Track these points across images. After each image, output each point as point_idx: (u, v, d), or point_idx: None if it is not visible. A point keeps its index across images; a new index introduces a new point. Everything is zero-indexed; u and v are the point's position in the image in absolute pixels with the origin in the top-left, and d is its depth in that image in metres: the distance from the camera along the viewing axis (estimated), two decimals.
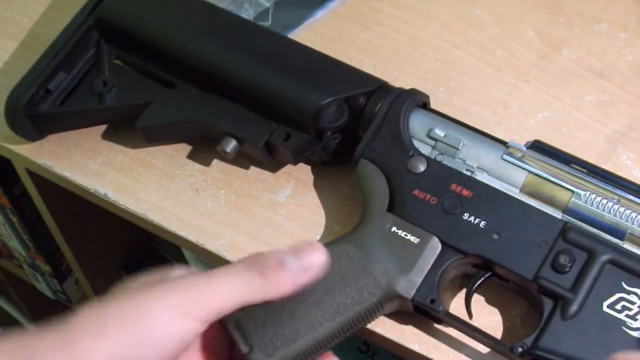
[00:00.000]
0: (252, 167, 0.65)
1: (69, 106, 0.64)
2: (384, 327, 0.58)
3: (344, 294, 0.53)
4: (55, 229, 0.85)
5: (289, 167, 0.64)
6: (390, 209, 0.57)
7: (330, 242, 0.56)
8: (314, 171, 0.64)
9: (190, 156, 0.66)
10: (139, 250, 1.05)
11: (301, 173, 0.64)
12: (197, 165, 0.65)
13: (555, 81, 0.69)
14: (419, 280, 0.54)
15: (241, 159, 0.64)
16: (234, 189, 0.64)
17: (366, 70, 0.63)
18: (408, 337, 0.57)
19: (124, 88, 0.64)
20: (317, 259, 0.49)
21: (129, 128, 0.67)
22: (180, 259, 1.01)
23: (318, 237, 0.62)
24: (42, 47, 0.65)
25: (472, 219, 0.55)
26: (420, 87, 0.67)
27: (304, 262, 0.49)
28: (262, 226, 0.63)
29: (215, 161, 0.65)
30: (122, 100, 0.64)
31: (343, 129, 0.61)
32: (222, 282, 0.47)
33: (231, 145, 0.61)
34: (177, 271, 0.49)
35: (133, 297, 0.47)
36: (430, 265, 0.55)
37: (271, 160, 0.63)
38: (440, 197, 0.56)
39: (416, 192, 0.57)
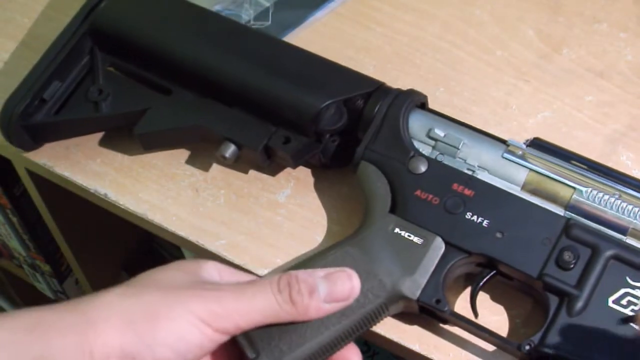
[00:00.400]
0: (251, 167, 0.65)
1: (65, 115, 0.64)
2: (384, 327, 0.57)
3: None
4: (55, 229, 0.85)
5: (289, 168, 0.64)
6: (393, 210, 0.57)
7: (333, 245, 0.56)
8: (313, 172, 0.64)
9: (191, 156, 0.66)
10: (139, 250, 1.05)
11: (301, 173, 0.64)
12: (197, 165, 0.65)
13: (555, 81, 0.69)
14: (423, 280, 0.54)
15: (240, 163, 0.64)
16: (234, 189, 0.64)
17: (366, 70, 0.63)
18: (408, 337, 0.57)
19: (120, 95, 0.63)
20: (350, 290, 0.50)
21: (129, 130, 0.67)
22: (180, 259, 1.01)
23: (319, 238, 0.62)
24: (42, 47, 0.65)
25: (474, 218, 0.55)
26: (420, 87, 0.67)
27: (335, 292, 0.49)
28: (262, 226, 0.63)
29: (215, 160, 0.65)
30: (118, 108, 0.63)
31: (342, 131, 0.61)
32: (252, 300, 0.47)
33: (230, 150, 0.60)
34: (209, 269, 0.49)
35: (161, 297, 0.47)
36: (434, 266, 0.55)
37: (270, 164, 0.62)
38: (442, 197, 0.56)
39: (418, 192, 0.57)
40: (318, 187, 0.64)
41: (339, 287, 0.50)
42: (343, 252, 0.55)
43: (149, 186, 0.65)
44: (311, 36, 0.72)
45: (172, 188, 0.64)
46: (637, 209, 0.54)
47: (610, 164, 0.58)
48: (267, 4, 0.74)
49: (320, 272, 0.50)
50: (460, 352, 0.56)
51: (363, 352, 0.89)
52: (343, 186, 0.63)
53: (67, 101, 0.64)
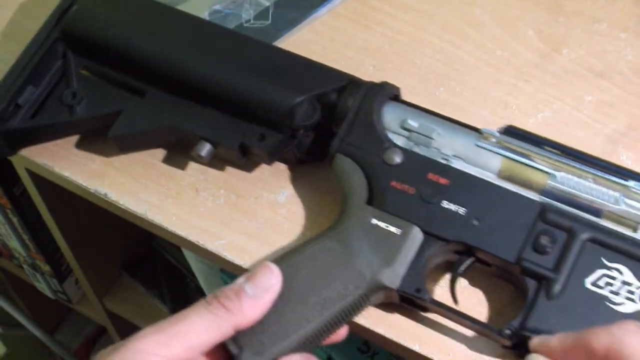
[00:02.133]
0: (252, 167, 0.65)
1: (40, 120, 0.64)
2: (384, 327, 0.58)
3: (330, 289, 0.54)
4: (55, 229, 0.85)
5: (289, 168, 0.64)
6: (369, 201, 0.57)
7: (311, 238, 0.57)
8: (314, 172, 0.64)
9: (190, 156, 0.66)
10: (139, 250, 1.05)
11: (301, 173, 0.64)
12: (197, 165, 0.65)
13: (555, 81, 0.69)
14: (403, 270, 0.55)
15: (217, 161, 0.64)
16: (234, 189, 0.64)
17: (366, 70, 0.63)
18: (408, 337, 0.57)
19: (94, 98, 0.64)
20: (272, 279, 0.51)
21: None
22: (180, 259, 1.01)
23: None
24: None
25: (451, 206, 0.56)
26: (420, 87, 0.68)
27: (260, 285, 0.51)
28: (262, 226, 0.63)
29: (215, 161, 0.65)
30: (92, 110, 0.64)
31: (316, 126, 0.61)
32: (189, 319, 0.49)
33: (206, 149, 0.61)
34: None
35: (106, 356, 0.48)
36: (413, 255, 0.55)
37: (246, 161, 0.63)
38: (418, 187, 0.57)
39: (394, 183, 0.57)
40: (318, 187, 0.64)
41: (261, 279, 0.51)
42: (321, 245, 0.55)
43: (149, 186, 0.65)
44: (311, 36, 0.72)
45: (172, 188, 0.64)
46: (610, 192, 0.55)
47: None
48: (267, 4, 0.74)
49: (241, 277, 0.51)
50: (462, 353, 0.56)
51: (363, 352, 0.89)
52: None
53: (42, 106, 0.64)
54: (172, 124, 0.62)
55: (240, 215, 0.63)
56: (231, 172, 0.65)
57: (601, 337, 0.46)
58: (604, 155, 0.63)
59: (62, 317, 1.32)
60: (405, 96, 0.62)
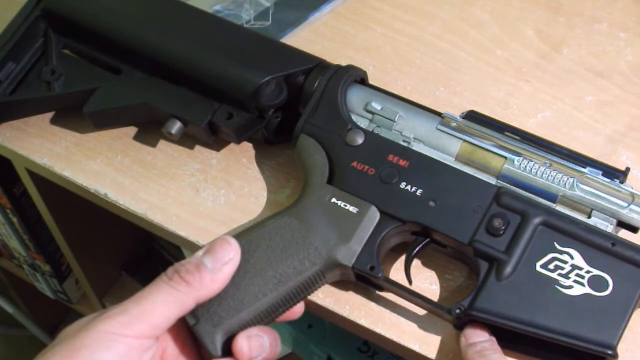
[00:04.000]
0: (252, 167, 0.65)
1: (19, 95, 0.66)
2: (384, 327, 0.58)
3: (286, 264, 0.55)
4: (55, 229, 0.85)
5: (289, 168, 0.65)
6: (330, 181, 0.58)
7: (271, 215, 0.58)
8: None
9: (191, 156, 0.66)
10: (139, 250, 1.05)
11: (301, 173, 0.64)
12: (197, 165, 0.65)
13: (555, 81, 0.69)
14: (358, 248, 0.56)
15: (186, 140, 0.65)
16: (234, 189, 0.64)
17: (366, 70, 0.63)
18: (408, 337, 0.57)
19: (72, 76, 0.65)
20: (232, 251, 0.52)
21: (130, 129, 0.67)
22: (180, 259, 1.01)
23: None
24: None
25: (409, 187, 0.57)
26: (420, 87, 0.68)
27: (219, 258, 0.51)
28: None
29: (215, 161, 0.65)
30: (69, 87, 0.65)
31: (284, 107, 0.62)
32: (151, 297, 0.49)
33: (176, 126, 0.62)
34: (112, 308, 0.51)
35: (72, 337, 0.48)
36: (369, 234, 0.56)
37: (215, 140, 0.64)
38: (378, 168, 0.58)
39: (354, 163, 0.58)
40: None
41: (220, 252, 0.52)
42: (281, 221, 0.56)
43: (149, 186, 0.65)
44: (311, 36, 0.72)
45: (172, 188, 0.65)
46: (566, 177, 0.56)
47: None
48: (267, 4, 0.74)
49: (199, 251, 0.52)
50: (457, 355, 0.56)
51: (363, 352, 0.89)
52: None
53: (21, 82, 0.66)
54: (144, 102, 0.63)
55: (240, 215, 0.63)
56: (231, 172, 0.65)
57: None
58: (604, 156, 0.63)
59: (62, 317, 1.32)
60: (405, 96, 0.62)
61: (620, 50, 0.70)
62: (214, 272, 0.51)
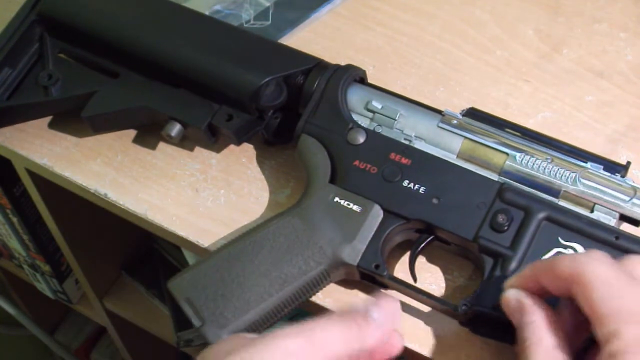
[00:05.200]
0: (251, 167, 0.65)
1: (16, 100, 0.65)
2: None
3: (291, 264, 0.55)
4: (55, 229, 0.85)
5: (289, 168, 0.65)
6: (333, 180, 0.58)
7: (274, 215, 0.58)
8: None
9: (191, 156, 0.66)
10: (139, 250, 1.05)
11: (301, 172, 0.64)
12: (197, 165, 0.65)
13: (555, 81, 0.69)
14: (363, 247, 0.56)
15: (187, 142, 0.65)
16: (234, 189, 0.64)
17: (366, 70, 0.63)
18: (408, 337, 0.57)
19: (69, 80, 0.65)
20: (396, 309, 0.49)
21: (130, 130, 0.67)
22: (180, 259, 1.01)
23: None
24: None
25: (411, 185, 0.57)
26: (420, 87, 0.68)
27: (385, 313, 0.48)
28: None
29: (214, 161, 0.65)
30: (67, 91, 0.65)
31: (283, 107, 0.62)
32: (328, 331, 0.46)
33: (175, 129, 0.62)
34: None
35: (250, 350, 0.44)
36: (373, 232, 0.56)
37: (215, 142, 0.64)
38: (380, 166, 0.58)
39: (357, 162, 0.58)
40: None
41: (385, 308, 0.48)
42: (285, 221, 0.56)
43: (149, 186, 0.65)
44: (311, 36, 0.72)
45: (172, 188, 0.65)
46: (568, 172, 0.56)
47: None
48: (267, 4, 0.74)
49: (363, 303, 0.49)
50: (460, 354, 0.57)
51: None
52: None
53: (18, 87, 0.66)
54: (143, 105, 0.63)
55: (240, 215, 0.63)
56: (231, 172, 0.65)
57: (566, 263, 0.47)
58: (604, 155, 0.63)
59: (62, 317, 1.32)
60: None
61: (620, 50, 0.70)
62: (380, 326, 0.47)
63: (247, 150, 0.66)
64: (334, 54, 0.69)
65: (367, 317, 0.48)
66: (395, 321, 0.49)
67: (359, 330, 0.47)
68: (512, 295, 0.49)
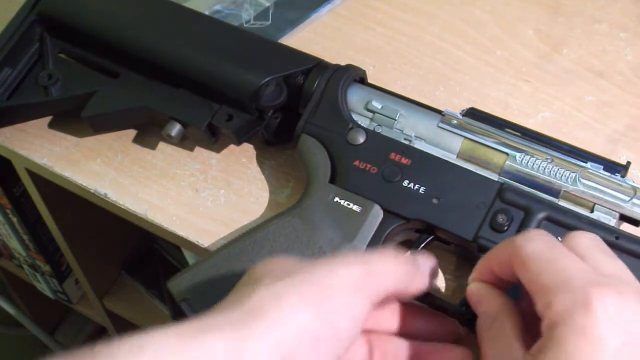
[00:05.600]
0: (251, 167, 0.65)
1: (16, 100, 0.65)
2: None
3: None
4: (55, 229, 0.85)
5: (289, 168, 0.65)
6: (333, 180, 0.58)
7: (274, 215, 0.58)
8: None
9: (191, 156, 0.66)
10: (139, 250, 1.05)
11: (301, 173, 0.64)
12: (197, 165, 0.65)
13: (555, 81, 0.69)
14: (362, 247, 0.56)
15: (187, 142, 0.65)
16: (234, 189, 0.64)
17: (366, 70, 0.63)
18: None
19: (69, 80, 0.65)
20: (437, 268, 0.50)
21: (130, 130, 0.67)
22: (180, 259, 1.01)
23: None
24: None
25: (411, 185, 0.57)
26: (420, 87, 0.68)
27: (430, 268, 0.50)
28: None
29: (214, 161, 0.65)
30: (67, 91, 0.65)
31: (283, 107, 0.63)
32: (384, 266, 0.46)
33: (175, 129, 0.62)
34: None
35: (311, 271, 0.44)
36: (373, 232, 0.56)
37: (215, 142, 0.64)
38: (380, 167, 0.58)
39: (357, 162, 0.58)
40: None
41: (429, 262, 0.50)
42: (285, 221, 0.56)
43: (149, 186, 0.65)
44: (311, 36, 0.72)
45: (172, 188, 0.65)
46: (568, 172, 0.56)
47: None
48: (267, 4, 0.74)
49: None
50: None
51: None
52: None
53: (18, 87, 0.66)
54: (143, 105, 0.63)
55: (240, 215, 0.63)
56: (231, 172, 0.65)
57: (505, 247, 0.47)
58: (604, 155, 0.63)
59: (62, 317, 1.32)
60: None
61: (620, 50, 0.70)
62: (425, 274, 0.48)
63: (247, 150, 0.66)
64: (334, 54, 0.69)
65: (417, 266, 0.49)
66: (434, 279, 0.50)
67: (407, 275, 0.48)
68: (472, 289, 0.49)
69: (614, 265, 0.45)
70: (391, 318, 0.50)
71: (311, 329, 0.41)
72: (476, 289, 0.49)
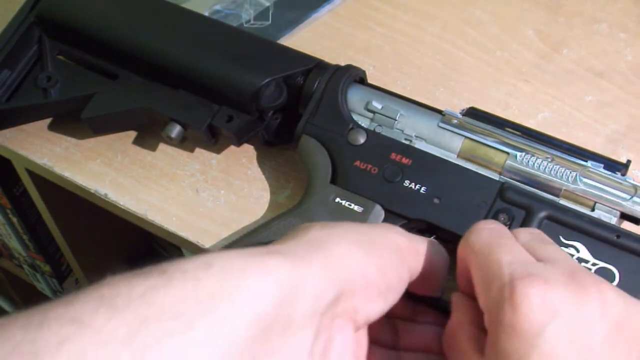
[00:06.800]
0: (252, 167, 0.65)
1: (15, 102, 0.65)
2: None
3: None
4: (55, 229, 0.85)
5: (289, 168, 0.65)
6: (333, 181, 0.58)
7: (276, 216, 0.58)
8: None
9: (191, 156, 0.66)
10: (139, 250, 1.05)
11: (301, 173, 0.64)
12: (197, 166, 0.65)
13: (555, 81, 0.69)
14: None
15: (187, 143, 0.65)
16: (234, 189, 0.64)
17: (366, 70, 0.63)
18: None
19: (68, 81, 0.65)
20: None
21: (130, 130, 0.67)
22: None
23: None
24: None
25: (412, 185, 0.57)
26: (420, 87, 0.68)
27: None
28: None
29: (215, 161, 0.65)
30: (66, 93, 0.65)
31: (283, 108, 0.63)
32: (421, 242, 0.47)
33: (175, 130, 0.62)
34: None
35: (360, 227, 0.45)
36: None
37: (215, 143, 0.64)
38: (381, 167, 0.58)
39: (357, 163, 0.58)
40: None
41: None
42: (286, 222, 0.56)
43: (149, 186, 0.65)
44: (311, 36, 0.72)
45: (172, 188, 0.65)
46: (568, 171, 0.56)
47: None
48: (267, 4, 0.74)
49: None
50: None
51: None
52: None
53: (17, 89, 0.66)
54: (142, 106, 0.63)
55: (240, 215, 0.63)
56: (231, 172, 0.65)
57: (460, 246, 0.46)
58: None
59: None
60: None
61: (620, 51, 0.70)
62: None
63: (247, 151, 0.66)
64: (334, 54, 0.69)
65: (447, 261, 0.48)
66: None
67: (437, 253, 0.47)
68: (452, 298, 0.48)
69: (549, 250, 0.44)
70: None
71: (365, 271, 0.42)
72: (454, 297, 0.47)
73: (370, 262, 0.42)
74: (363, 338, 0.45)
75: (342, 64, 0.63)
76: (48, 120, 0.68)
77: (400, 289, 0.44)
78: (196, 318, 0.34)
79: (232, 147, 0.66)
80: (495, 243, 0.44)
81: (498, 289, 0.40)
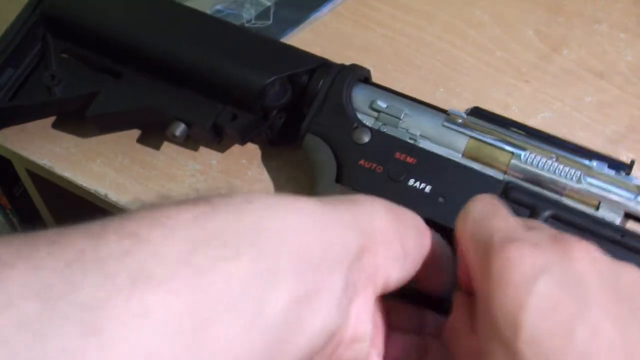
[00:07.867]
0: (252, 168, 0.65)
1: (19, 101, 0.65)
2: None
3: None
4: None
5: (289, 169, 0.65)
6: (338, 179, 0.58)
7: None
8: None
9: (191, 157, 0.66)
10: None
11: (301, 173, 0.64)
12: (197, 166, 0.65)
13: (555, 82, 0.69)
14: None
15: (191, 142, 0.65)
16: (234, 190, 0.64)
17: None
18: None
19: (72, 80, 0.65)
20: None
21: (130, 130, 0.67)
22: None
23: None
24: None
25: (417, 184, 0.57)
26: (420, 88, 0.68)
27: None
28: None
29: (215, 162, 0.65)
30: (70, 92, 0.65)
31: (288, 107, 0.63)
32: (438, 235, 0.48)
33: (180, 128, 0.62)
34: None
35: (384, 201, 0.46)
36: None
37: (220, 142, 0.64)
38: (385, 166, 0.58)
39: (362, 162, 0.58)
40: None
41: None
42: None
43: (150, 187, 0.65)
44: (311, 36, 0.72)
45: (173, 189, 0.65)
46: (573, 171, 0.56)
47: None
48: (268, 4, 0.74)
49: None
50: None
51: None
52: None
53: (21, 87, 0.66)
54: (147, 104, 0.63)
55: None
56: (231, 172, 0.65)
57: (458, 219, 0.46)
58: None
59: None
60: None
61: (620, 51, 0.70)
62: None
63: (248, 152, 0.66)
64: (334, 55, 0.69)
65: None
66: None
67: (444, 246, 0.48)
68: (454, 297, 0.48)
69: (534, 222, 0.45)
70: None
71: (386, 228, 0.43)
72: (454, 295, 0.47)
73: (392, 224, 0.44)
74: (382, 309, 0.46)
75: (345, 64, 0.63)
76: (48, 120, 0.68)
77: (417, 262, 0.45)
78: (242, 249, 0.35)
79: (233, 148, 0.66)
80: (491, 212, 0.45)
81: (490, 250, 0.41)
